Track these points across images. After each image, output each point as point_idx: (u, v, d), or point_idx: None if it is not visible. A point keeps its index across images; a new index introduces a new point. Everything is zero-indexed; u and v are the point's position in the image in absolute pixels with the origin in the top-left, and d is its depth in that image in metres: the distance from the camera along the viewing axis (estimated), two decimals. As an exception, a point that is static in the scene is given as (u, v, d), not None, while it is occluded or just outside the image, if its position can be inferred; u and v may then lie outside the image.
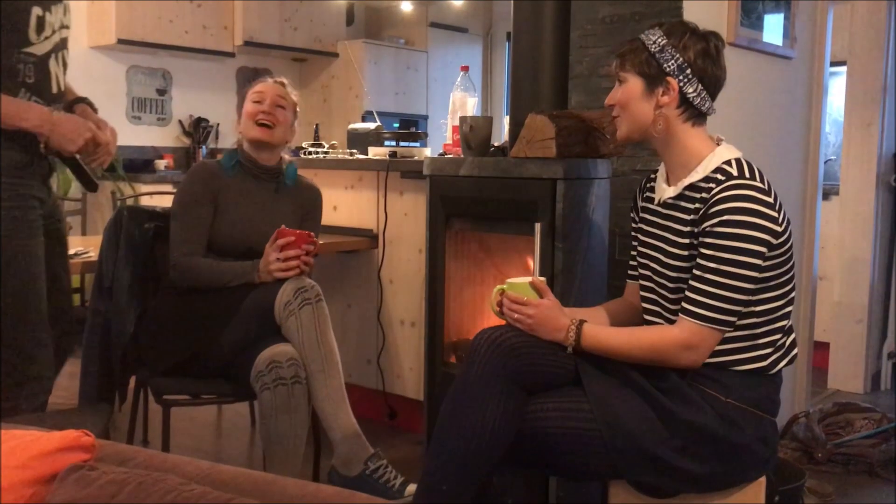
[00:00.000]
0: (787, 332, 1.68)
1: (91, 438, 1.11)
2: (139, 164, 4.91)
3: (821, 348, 3.75)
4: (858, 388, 3.86)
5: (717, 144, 1.70)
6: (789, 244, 1.62)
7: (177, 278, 2.35)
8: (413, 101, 6.15)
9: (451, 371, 2.37)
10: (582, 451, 1.62)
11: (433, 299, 2.43)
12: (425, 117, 6.13)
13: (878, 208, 3.87)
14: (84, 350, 2.45)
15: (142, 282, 2.49)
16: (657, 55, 1.66)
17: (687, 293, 1.62)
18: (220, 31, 5.23)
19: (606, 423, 1.59)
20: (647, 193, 1.83)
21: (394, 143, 3.37)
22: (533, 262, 2.18)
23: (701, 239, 1.60)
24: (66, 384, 3.81)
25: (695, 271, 1.61)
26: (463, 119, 2.46)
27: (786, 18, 2.96)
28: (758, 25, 2.80)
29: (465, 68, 2.92)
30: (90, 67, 4.78)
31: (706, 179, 1.64)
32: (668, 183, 1.73)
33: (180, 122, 5.30)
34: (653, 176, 1.83)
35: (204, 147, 5.29)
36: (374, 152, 3.26)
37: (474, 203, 2.34)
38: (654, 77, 1.67)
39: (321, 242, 2.90)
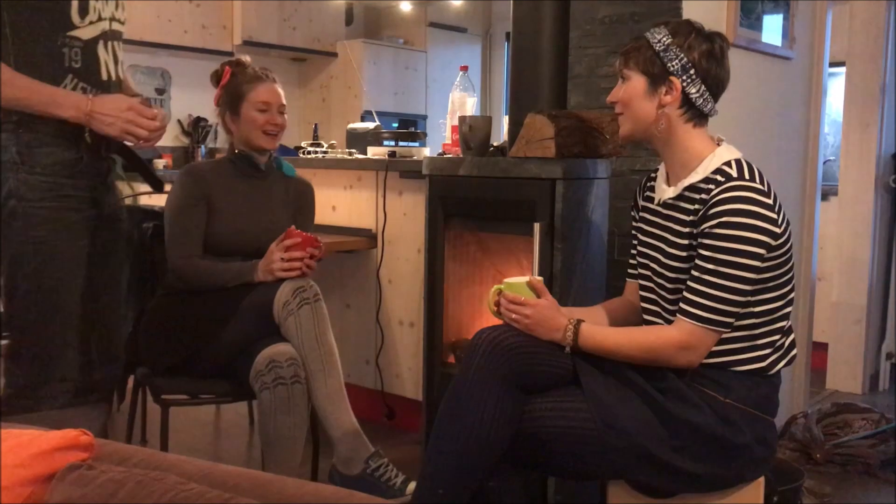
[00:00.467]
0: (786, 332, 1.68)
1: (89, 437, 1.11)
2: (138, 164, 4.89)
3: (819, 349, 3.75)
4: (857, 389, 3.87)
5: (718, 145, 1.70)
6: (788, 245, 1.62)
7: (175, 281, 2.35)
8: (412, 100, 6.15)
9: (450, 371, 2.37)
10: (580, 450, 1.62)
11: (432, 299, 2.43)
12: (424, 117, 6.13)
13: (877, 209, 3.87)
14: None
15: (140, 281, 2.49)
16: (661, 54, 1.65)
17: (685, 293, 1.62)
18: (219, 31, 5.22)
19: (604, 423, 1.59)
20: (648, 193, 1.83)
21: (393, 143, 3.37)
22: (532, 262, 2.18)
23: (700, 240, 1.60)
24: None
25: (693, 272, 1.61)
26: (462, 119, 2.46)
27: (785, 19, 2.96)
28: (757, 26, 2.81)
29: (465, 68, 2.92)
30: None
31: (706, 180, 1.63)
32: (668, 183, 1.73)
33: (179, 121, 5.29)
34: (653, 175, 1.83)
35: (203, 146, 5.29)
36: (373, 152, 3.26)
37: (473, 203, 2.34)
38: (657, 76, 1.66)
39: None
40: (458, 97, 2.84)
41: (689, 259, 1.63)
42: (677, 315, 1.63)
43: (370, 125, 3.66)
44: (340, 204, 3.26)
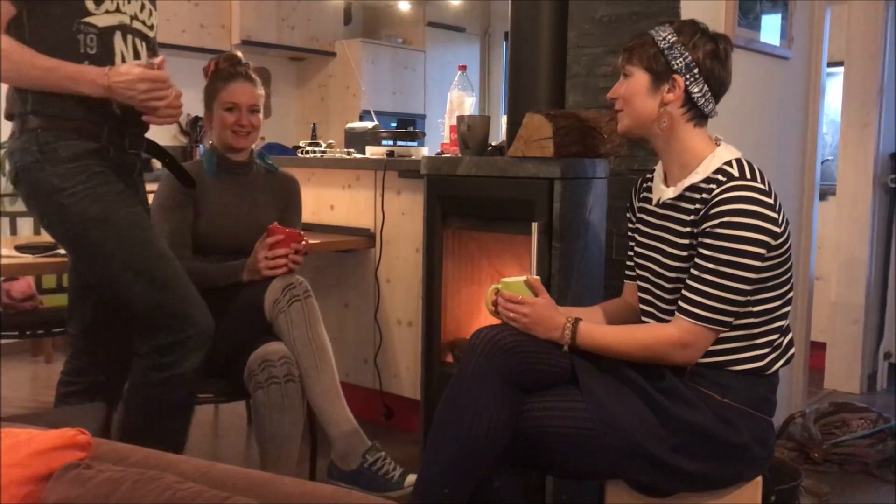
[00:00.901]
0: (784, 332, 1.68)
1: (87, 437, 1.11)
2: (136, 163, 4.88)
3: (817, 348, 3.76)
4: (855, 389, 3.87)
5: (717, 144, 1.70)
6: (788, 245, 1.62)
7: None
8: (410, 100, 6.14)
9: (448, 370, 2.37)
10: (578, 450, 1.62)
11: (430, 299, 2.43)
12: (423, 116, 6.13)
13: (875, 209, 3.87)
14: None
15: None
16: (666, 52, 1.65)
17: (684, 292, 1.62)
18: (217, 30, 5.22)
19: (603, 422, 1.59)
20: (644, 194, 1.83)
21: (391, 143, 3.37)
22: (530, 262, 2.18)
23: (700, 239, 1.60)
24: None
25: (692, 270, 1.61)
26: (460, 118, 2.46)
27: (783, 19, 2.97)
28: (755, 25, 2.81)
29: (463, 68, 2.92)
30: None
31: (707, 180, 1.63)
32: (667, 183, 1.73)
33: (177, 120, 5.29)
34: (649, 176, 1.83)
35: (201, 146, 5.28)
36: (372, 151, 3.25)
37: (471, 202, 2.34)
38: (660, 73, 1.66)
39: (317, 242, 2.91)
40: (456, 96, 2.84)
41: (689, 259, 1.63)
42: (676, 313, 1.63)
43: (368, 125, 3.66)
44: (339, 203, 3.26)
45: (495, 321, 1.76)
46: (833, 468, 2.82)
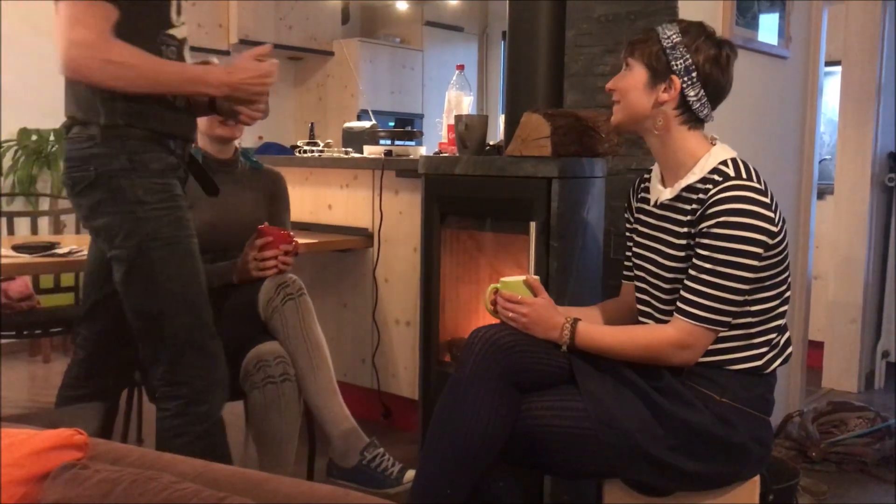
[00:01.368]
0: (782, 331, 1.68)
1: (83, 437, 1.11)
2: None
3: (815, 347, 3.76)
4: (852, 388, 3.87)
5: (712, 144, 1.70)
6: (785, 244, 1.62)
7: None
8: (408, 99, 6.14)
9: (446, 370, 2.37)
10: (576, 449, 1.62)
11: (428, 298, 2.43)
12: (421, 116, 6.13)
13: (873, 208, 3.87)
14: (78, 348, 2.44)
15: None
16: (668, 51, 1.65)
17: (682, 293, 1.62)
18: (215, 30, 5.21)
19: (601, 422, 1.59)
20: (642, 194, 1.83)
21: (389, 142, 3.37)
22: (528, 261, 2.18)
23: (697, 240, 1.60)
24: (60, 383, 3.79)
25: (690, 271, 1.61)
26: (458, 118, 2.45)
27: (781, 18, 2.97)
28: (753, 25, 2.81)
29: (461, 67, 2.92)
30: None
31: (703, 180, 1.63)
32: (664, 184, 1.73)
33: (175, 120, 5.28)
34: (647, 176, 1.83)
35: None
36: (370, 151, 3.25)
37: (469, 202, 2.34)
38: (659, 72, 1.66)
39: (315, 241, 2.91)
40: (454, 96, 2.84)
41: (687, 259, 1.63)
42: (674, 314, 1.63)
43: (366, 124, 3.66)
44: (336, 203, 3.26)
45: (494, 320, 1.76)
46: (831, 467, 2.82)
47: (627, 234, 1.88)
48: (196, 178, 2.13)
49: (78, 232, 3.64)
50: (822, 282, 4.04)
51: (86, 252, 2.46)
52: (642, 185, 1.84)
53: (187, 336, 1.84)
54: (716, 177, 1.61)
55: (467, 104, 2.88)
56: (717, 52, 1.65)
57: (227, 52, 5.29)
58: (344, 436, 2.26)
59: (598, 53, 2.69)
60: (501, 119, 2.51)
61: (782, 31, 2.97)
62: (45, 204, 4.05)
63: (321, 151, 3.41)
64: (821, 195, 3.91)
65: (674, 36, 1.65)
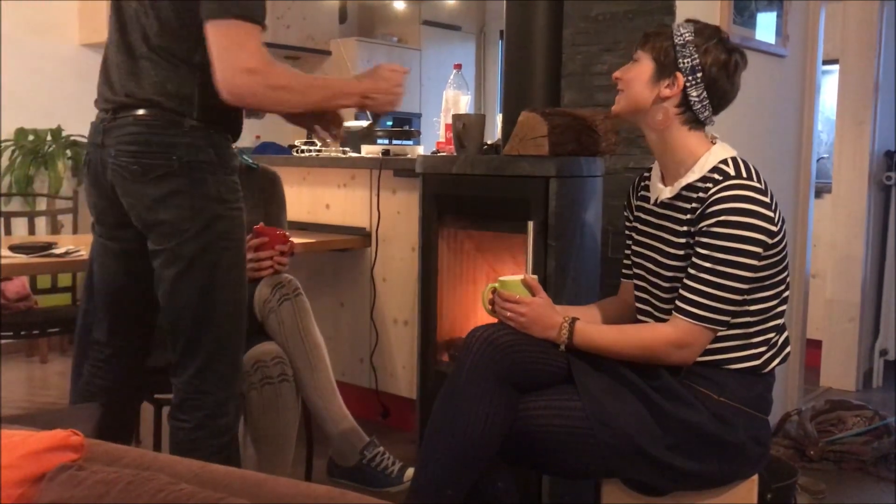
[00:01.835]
0: (780, 330, 1.68)
1: (80, 438, 1.10)
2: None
3: (813, 346, 3.76)
4: (850, 386, 3.87)
5: (712, 143, 1.69)
6: (784, 244, 1.62)
7: None
8: (406, 98, 6.09)
9: (445, 370, 2.37)
10: (574, 449, 1.61)
11: (426, 298, 2.43)
12: (418, 115, 6.12)
13: (871, 206, 3.87)
14: (75, 350, 2.43)
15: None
16: (678, 48, 1.64)
17: (681, 291, 1.62)
18: (212, 29, 5.20)
19: (599, 421, 1.59)
20: (642, 192, 1.82)
21: (387, 142, 3.37)
22: (526, 261, 2.18)
23: (697, 238, 1.59)
24: (58, 384, 3.80)
25: (689, 270, 1.61)
26: (456, 117, 2.45)
27: (778, 17, 2.96)
28: (750, 24, 2.80)
29: (458, 66, 2.91)
30: (82, 65, 4.75)
31: (703, 179, 1.63)
32: (664, 183, 1.73)
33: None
34: (646, 175, 1.83)
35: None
36: (367, 150, 3.25)
37: (467, 201, 2.34)
38: (665, 67, 1.65)
39: (313, 241, 2.90)
40: (451, 95, 2.84)
41: (687, 258, 1.63)
42: (673, 313, 1.63)
43: (364, 123, 3.65)
44: (334, 202, 3.26)
45: (492, 320, 1.76)
46: (829, 466, 2.83)
47: (627, 232, 1.87)
48: None
49: (75, 232, 3.64)
50: (819, 280, 4.04)
51: (83, 252, 2.45)
52: (642, 184, 1.84)
53: (224, 344, 1.79)
54: (716, 175, 1.61)
55: (465, 103, 2.88)
56: (726, 57, 1.64)
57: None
58: (343, 435, 2.26)
59: (595, 52, 2.69)
60: (499, 118, 2.51)
61: (780, 30, 2.97)
62: (42, 204, 4.04)
63: (319, 151, 3.41)
64: (818, 194, 3.91)
65: (686, 34, 1.65)
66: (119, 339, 1.94)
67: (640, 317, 1.77)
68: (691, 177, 1.65)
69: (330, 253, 3.19)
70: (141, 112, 1.71)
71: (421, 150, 3.29)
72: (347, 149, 3.45)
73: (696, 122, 1.68)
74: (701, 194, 1.61)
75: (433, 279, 2.41)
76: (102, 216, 1.86)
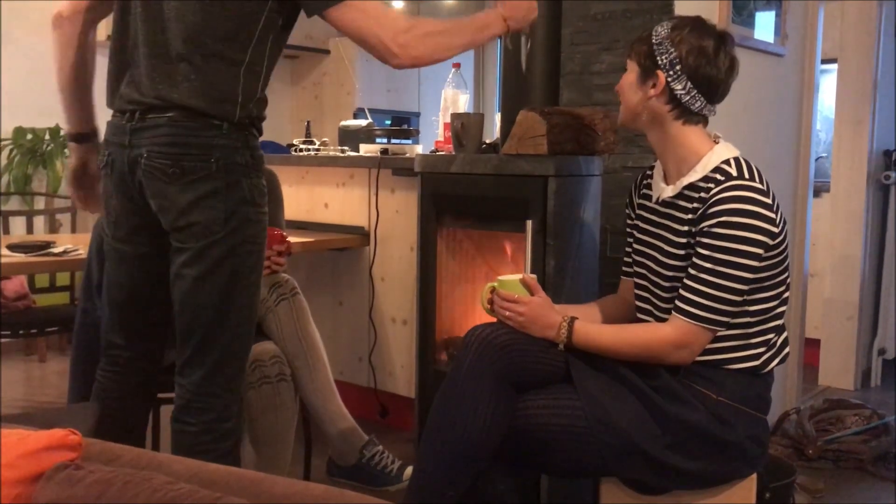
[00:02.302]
0: (779, 331, 1.68)
1: (77, 437, 1.10)
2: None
3: (812, 345, 3.76)
4: (849, 385, 3.87)
5: (715, 142, 1.69)
6: (785, 244, 1.62)
7: None
8: (405, 98, 6.13)
9: (443, 369, 2.37)
10: (573, 448, 1.61)
11: (425, 297, 2.43)
12: (417, 114, 6.11)
13: (869, 205, 3.87)
14: (73, 349, 2.43)
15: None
16: (655, 47, 1.64)
17: (681, 291, 1.61)
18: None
19: (597, 420, 1.59)
20: (644, 190, 1.82)
21: (385, 141, 3.36)
22: (524, 260, 2.18)
23: (698, 238, 1.59)
24: (56, 383, 3.80)
25: (690, 270, 1.60)
26: (454, 116, 2.45)
27: (777, 16, 2.97)
28: (749, 23, 2.80)
29: (457, 65, 2.91)
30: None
31: (705, 179, 1.62)
32: (666, 181, 1.72)
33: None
34: (649, 172, 1.82)
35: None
36: (366, 149, 3.25)
37: (466, 200, 2.33)
38: (647, 68, 1.66)
39: (311, 240, 2.90)
40: (450, 94, 2.84)
41: (687, 258, 1.63)
42: (673, 313, 1.63)
43: (362, 122, 3.65)
44: (333, 201, 3.26)
45: (491, 319, 1.76)
46: (828, 465, 2.83)
47: (628, 230, 1.87)
48: None
49: (73, 231, 3.64)
50: (818, 279, 4.04)
51: (82, 252, 2.45)
52: (644, 182, 1.83)
53: (235, 347, 1.77)
54: (718, 176, 1.60)
55: (463, 102, 2.88)
56: (700, 43, 1.62)
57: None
58: (342, 434, 2.26)
59: (594, 51, 2.69)
60: (498, 117, 2.51)
61: (778, 29, 2.97)
62: (40, 203, 4.04)
63: (317, 150, 3.41)
64: (817, 193, 3.91)
65: (663, 32, 1.65)
66: (135, 345, 1.91)
67: (640, 315, 1.77)
68: (693, 176, 1.64)
69: (328, 252, 3.18)
70: (175, 114, 1.67)
71: (419, 149, 3.29)
72: (346, 148, 3.45)
73: (692, 115, 1.67)
74: (703, 194, 1.61)
75: (432, 278, 2.41)
76: (121, 219, 1.81)
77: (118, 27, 1.78)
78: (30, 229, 3.49)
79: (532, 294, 1.73)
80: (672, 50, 1.63)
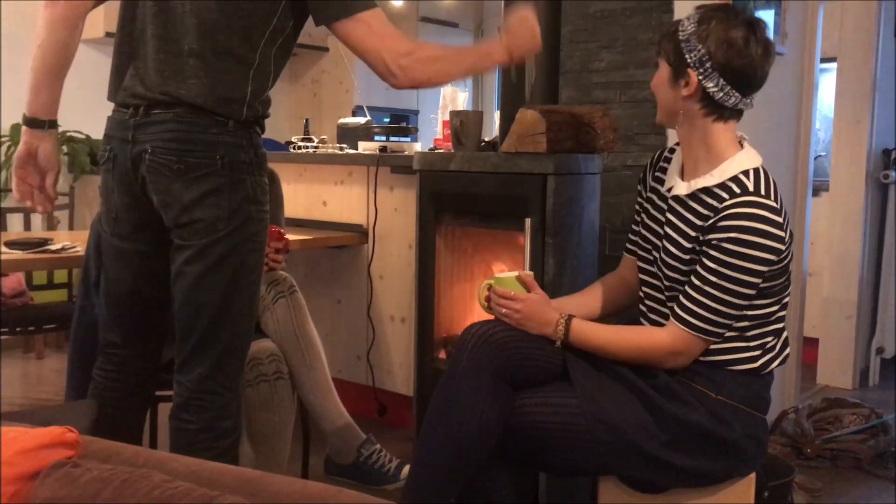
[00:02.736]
0: (778, 334, 1.68)
1: (75, 435, 1.10)
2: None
3: (810, 344, 3.76)
4: (847, 384, 3.87)
5: (740, 146, 1.65)
6: (789, 257, 1.61)
7: None
8: (403, 95, 6.11)
9: (441, 367, 2.36)
10: (570, 446, 1.61)
11: (423, 295, 2.42)
12: (416, 112, 6.11)
13: (868, 204, 3.87)
14: (70, 346, 2.42)
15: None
16: (682, 44, 1.59)
17: (681, 298, 1.61)
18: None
19: (595, 418, 1.59)
20: (658, 174, 1.78)
21: (384, 138, 3.36)
22: (523, 258, 2.17)
23: (705, 249, 1.57)
24: (54, 380, 3.79)
25: (693, 279, 1.59)
26: (453, 114, 2.45)
27: (776, 15, 2.96)
28: (748, 21, 2.80)
29: (456, 63, 2.90)
30: (78, 61, 4.73)
31: (721, 186, 1.59)
32: (682, 176, 1.69)
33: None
34: (668, 155, 1.78)
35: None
36: (364, 147, 3.24)
37: (464, 198, 2.33)
38: (678, 67, 1.60)
39: (310, 238, 2.90)
40: (449, 92, 2.84)
41: (692, 262, 1.61)
42: (670, 319, 1.62)
43: (361, 120, 3.65)
44: (331, 199, 3.25)
45: (488, 317, 1.75)
46: (826, 464, 2.83)
47: (637, 207, 1.85)
48: None
49: (71, 228, 3.63)
50: (816, 278, 4.04)
51: (79, 249, 2.44)
52: (660, 165, 1.79)
53: (235, 344, 1.77)
54: (734, 186, 1.57)
55: (462, 100, 2.87)
56: (727, 35, 1.56)
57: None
58: (340, 433, 2.25)
59: (593, 50, 2.68)
60: (496, 115, 2.51)
61: (778, 28, 2.97)
62: (38, 200, 4.02)
63: (316, 148, 3.40)
64: (816, 192, 3.91)
65: (689, 26, 1.59)
66: (133, 343, 1.91)
67: (641, 293, 1.76)
68: (709, 180, 1.60)
69: (327, 250, 3.18)
70: (181, 110, 1.66)
71: (418, 146, 3.28)
72: (345, 145, 3.45)
73: (724, 111, 1.61)
74: (716, 202, 1.58)
75: (430, 276, 2.41)
76: (122, 215, 1.79)
77: (124, 21, 1.77)
78: (27, 226, 3.48)
79: (529, 291, 1.72)
80: (700, 46, 1.56)
